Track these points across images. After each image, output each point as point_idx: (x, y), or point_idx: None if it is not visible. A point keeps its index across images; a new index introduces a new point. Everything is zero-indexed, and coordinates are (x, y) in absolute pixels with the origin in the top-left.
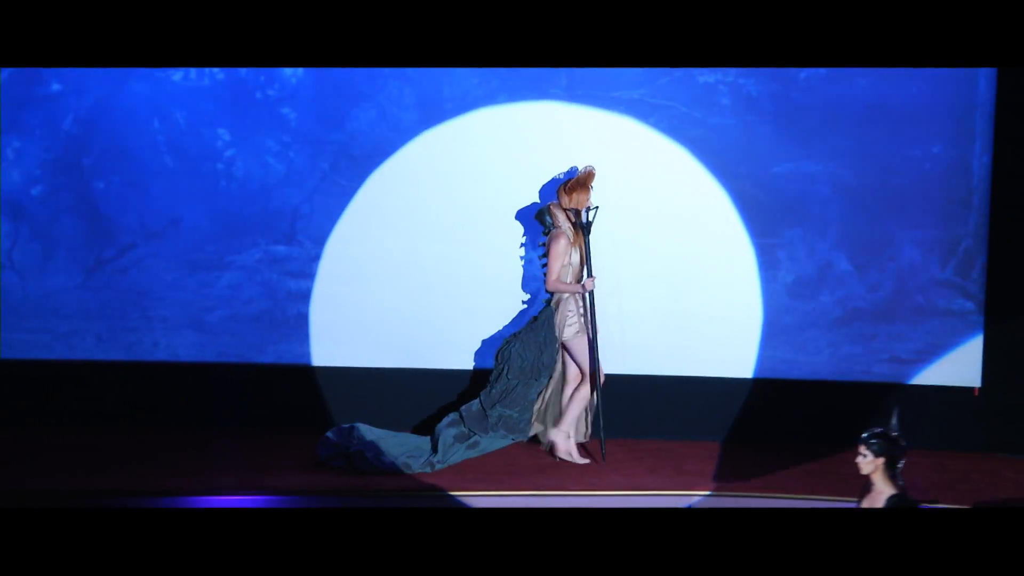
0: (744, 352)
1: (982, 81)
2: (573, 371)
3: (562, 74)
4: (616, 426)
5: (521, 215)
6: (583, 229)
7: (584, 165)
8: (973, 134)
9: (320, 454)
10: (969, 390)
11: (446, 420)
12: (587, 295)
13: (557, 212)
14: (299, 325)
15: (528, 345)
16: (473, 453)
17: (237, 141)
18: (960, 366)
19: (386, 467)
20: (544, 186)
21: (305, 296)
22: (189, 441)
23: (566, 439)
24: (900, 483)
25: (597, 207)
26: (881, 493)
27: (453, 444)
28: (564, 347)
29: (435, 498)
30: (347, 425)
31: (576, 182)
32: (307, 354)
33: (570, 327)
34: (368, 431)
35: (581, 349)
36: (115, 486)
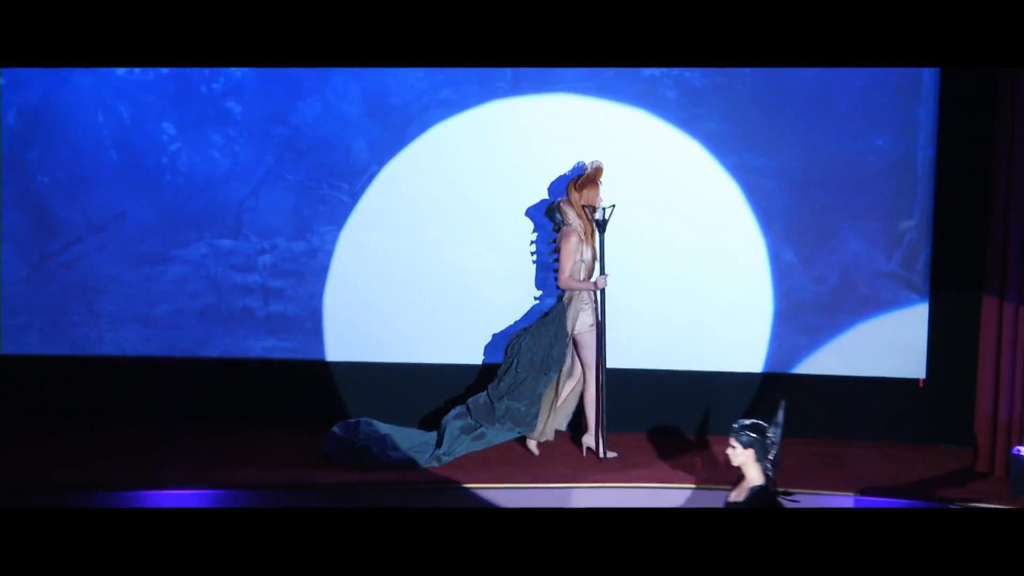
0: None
1: (926, 74)
2: (577, 367)
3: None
4: (619, 420)
5: (531, 211)
6: (599, 227)
7: (591, 160)
8: (917, 127)
9: (326, 450)
10: (914, 381)
11: (452, 413)
12: (600, 292)
13: (567, 209)
14: (245, 319)
15: (538, 339)
16: (479, 445)
17: (182, 135)
18: (904, 358)
19: (393, 462)
20: (553, 183)
21: (251, 290)
22: (136, 436)
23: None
24: (770, 475)
25: (614, 205)
26: (750, 483)
27: (459, 436)
28: (574, 341)
29: (437, 492)
30: (353, 420)
31: (585, 178)
32: (250, 348)
33: (583, 322)
34: (375, 426)
35: (590, 344)
36: (63, 480)
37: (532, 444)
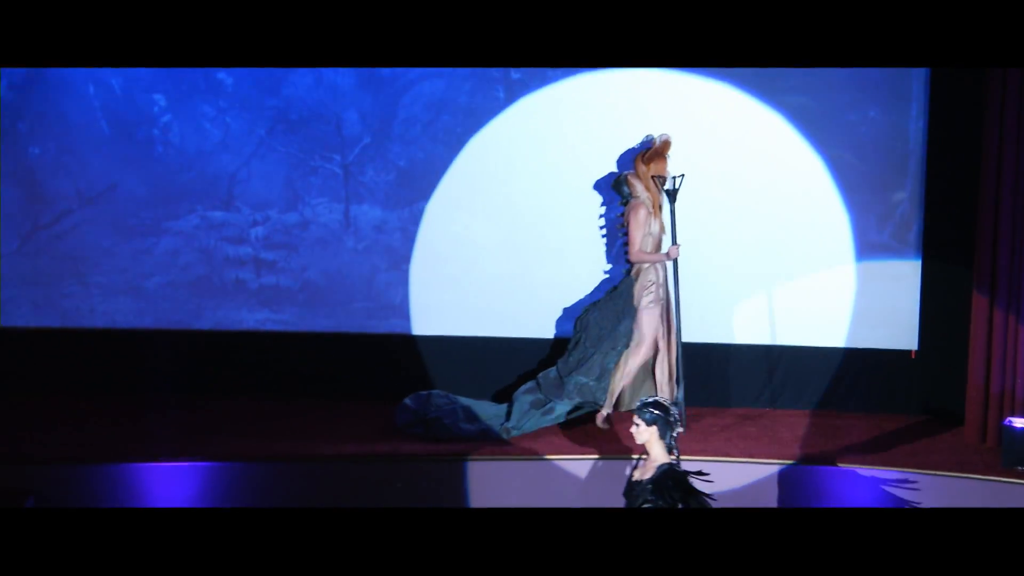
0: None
1: None
2: (635, 339)
3: None
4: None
5: (599, 185)
6: (669, 196)
7: (660, 133)
8: (909, 98)
9: (397, 421)
10: (906, 353)
11: (523, 387)
12: (670, 263)
13: (635, 182)
14: (237, 291)
15: (606, 314)
16: (548, 420)
17: (173, 106)
18: (897, 329)
19: (464, 434)
20: (621, 156)
21: (243, 262)
22: (128, 408)
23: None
24: (674, 452)
25: (683, 175)
26: (655, 462)
27: (529, 411)
28: (638, 315)
29: (504, 462)
30: (425, 392)
31: (653, 151)
32: (243, 320)
33: (647, 296)
34: (446, 398)
35: (650, 319)
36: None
37: (601, 418)
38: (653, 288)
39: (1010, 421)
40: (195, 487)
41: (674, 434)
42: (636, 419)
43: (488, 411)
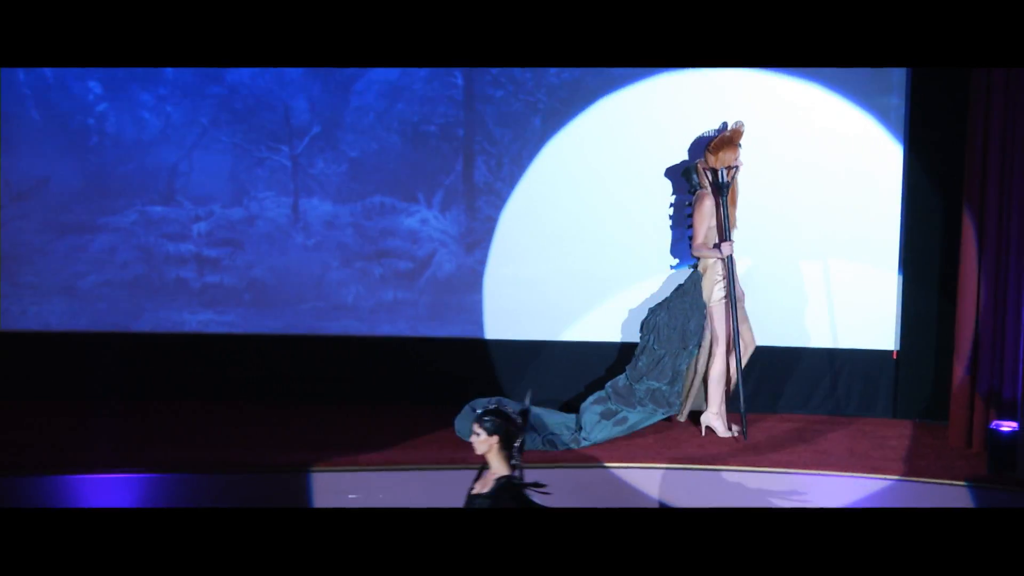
0: None
1: None
2: (708, 340)
3: None
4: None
5: (669, 172)
6: (718, 190)
7: (735, 121)
8: (890, 90)
9: (459, 429)
10: (887, 353)
11: (592, 398)
12: (727, 260)
13: (704, 171)
14: (178, 291)
15: (675, 313)
16: (621, 430)
17: (109, 95)
18: (877, 329)
19: (529, 444)
20: (693, 144)
21: (185, 260)
22: (62, 415)
23: (718, 419)
24: (516, 463)
25: (737, 167)
26: (495, 474)
27: (600, 422)
28: (708, 313)
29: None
30: (485, 399)
31: (723, 139)
32: (184, 322)
33: (718, 292)
34: (511, 406)
35: (720, 317)
36: None
37: (721, 427)
38: (723, 283)
39: (998, 424)
40: (135, 499)
41: (516, 445)
42: (476, 428)
43: (555, 420)
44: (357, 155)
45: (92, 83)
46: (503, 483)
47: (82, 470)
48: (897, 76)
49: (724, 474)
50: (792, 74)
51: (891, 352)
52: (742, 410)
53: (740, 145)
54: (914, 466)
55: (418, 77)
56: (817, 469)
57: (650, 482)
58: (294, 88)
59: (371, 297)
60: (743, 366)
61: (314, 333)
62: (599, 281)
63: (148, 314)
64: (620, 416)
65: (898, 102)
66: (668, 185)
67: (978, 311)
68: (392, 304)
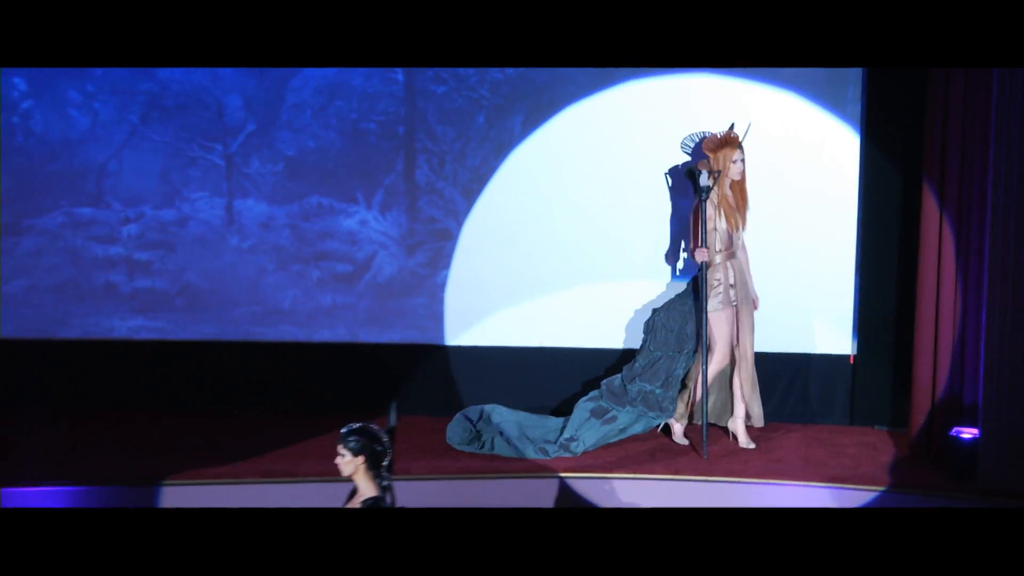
0: None
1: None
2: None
3: None
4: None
5: (673, 172)
6: (699, 193)
7: (741, 123)
8: (844, 98)
9: (450, 437)
10: (844, 358)
11: (586, 396)
12: (725, 267)
13: (700, 173)
14: (108, 296)
15: (673, 315)
16: (610, 430)
17: (35, 92)
18: (833, 333)
19: (519, 452)
20: (697, 143)
21: (114, 263)
22: None
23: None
24: (384, 484)
25: (719, 172)
26: (363, 495)
27: (588, 419)
28: (708, 319)
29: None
30: (478, 407)
31: (723, 139)
32: (114, 328)
33: (715, 296)
34: (504, 413)
35: (719, 322)
36: None
37: (677, 432)
38: (721, 288)
39: (958, 431)
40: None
41: (384, 464)
42: (341, 449)
43: (548, 426)
44: (294, 154)
45: (16, 79)
46: (370, 504)
47: (9, 483)
48: (853, 73)
49: (671, 484)
50: (746, 76)
51: (848, 356)
52: (704, 428)
53: (741, 148)
54: (872, 475)
55: (357, 73)
56: (770, 478)
57: (596, 492)
58: (228, 84)
59: (309, 301)
60: (744, 379)
61: (250, 339)
62: (555, 284)
63: (76, 320)
64: (610, 415)
65: (854, 94)
66: (627, 182)
67: (938, 314)
68: (331, 308)
